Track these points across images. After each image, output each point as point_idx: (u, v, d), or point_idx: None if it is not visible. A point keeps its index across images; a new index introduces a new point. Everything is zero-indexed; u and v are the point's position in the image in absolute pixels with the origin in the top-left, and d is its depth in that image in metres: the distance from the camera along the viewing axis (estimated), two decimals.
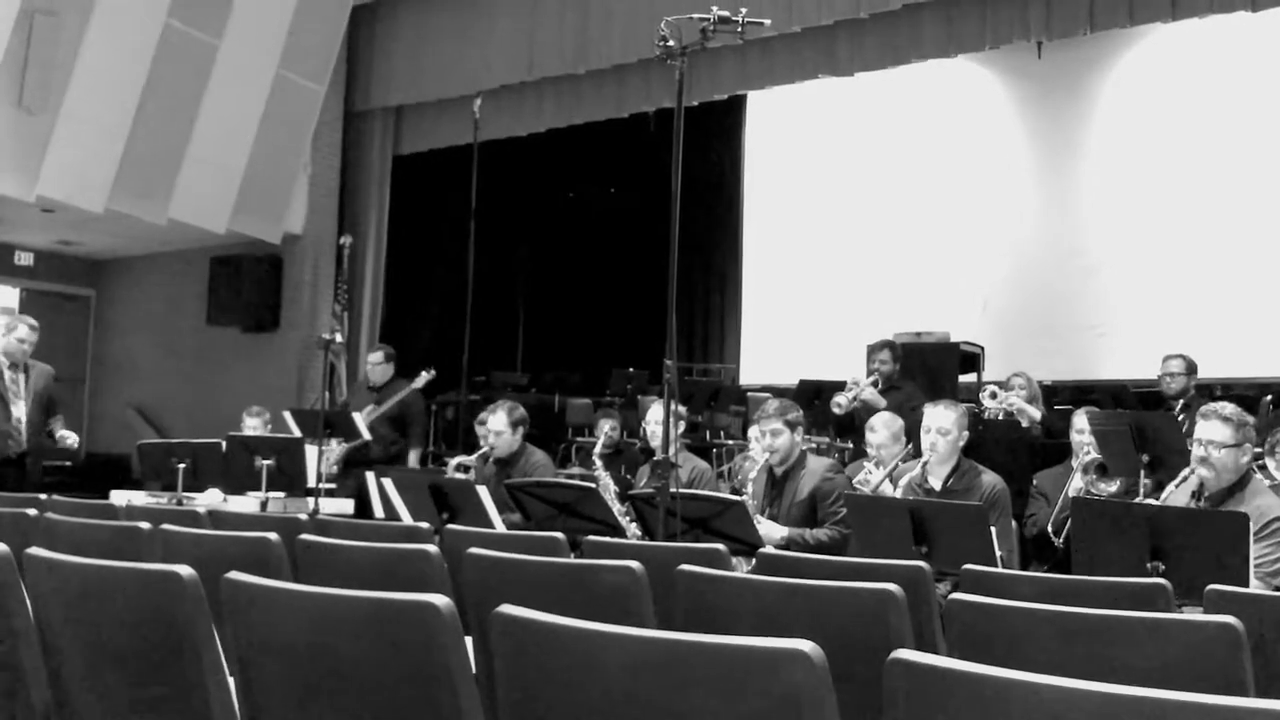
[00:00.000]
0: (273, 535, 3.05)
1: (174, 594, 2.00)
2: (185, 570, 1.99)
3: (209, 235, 10.21)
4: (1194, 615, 2.19)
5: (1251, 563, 3.51)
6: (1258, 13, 7.85)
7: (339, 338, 9.88)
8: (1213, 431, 4.01)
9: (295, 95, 10.25)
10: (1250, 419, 4.13)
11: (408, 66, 10.97)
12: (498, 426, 5.85)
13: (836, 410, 7.35)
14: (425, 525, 3.92)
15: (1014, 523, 4.91)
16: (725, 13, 4.13)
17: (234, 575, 1.95)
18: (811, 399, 8.36)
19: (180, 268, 11.51)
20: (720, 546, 3.31)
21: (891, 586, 2.22)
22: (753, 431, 5.84)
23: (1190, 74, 10.15)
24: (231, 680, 2.02)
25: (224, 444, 6.38)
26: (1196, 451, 4.06)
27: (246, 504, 6.04)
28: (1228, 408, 4.07)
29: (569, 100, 10.31)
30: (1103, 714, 1.22)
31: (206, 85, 9.54)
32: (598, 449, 6.31)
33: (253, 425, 7.61)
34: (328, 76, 10.60)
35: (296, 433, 6.85)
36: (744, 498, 4.75)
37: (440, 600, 1.71)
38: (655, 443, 5.64)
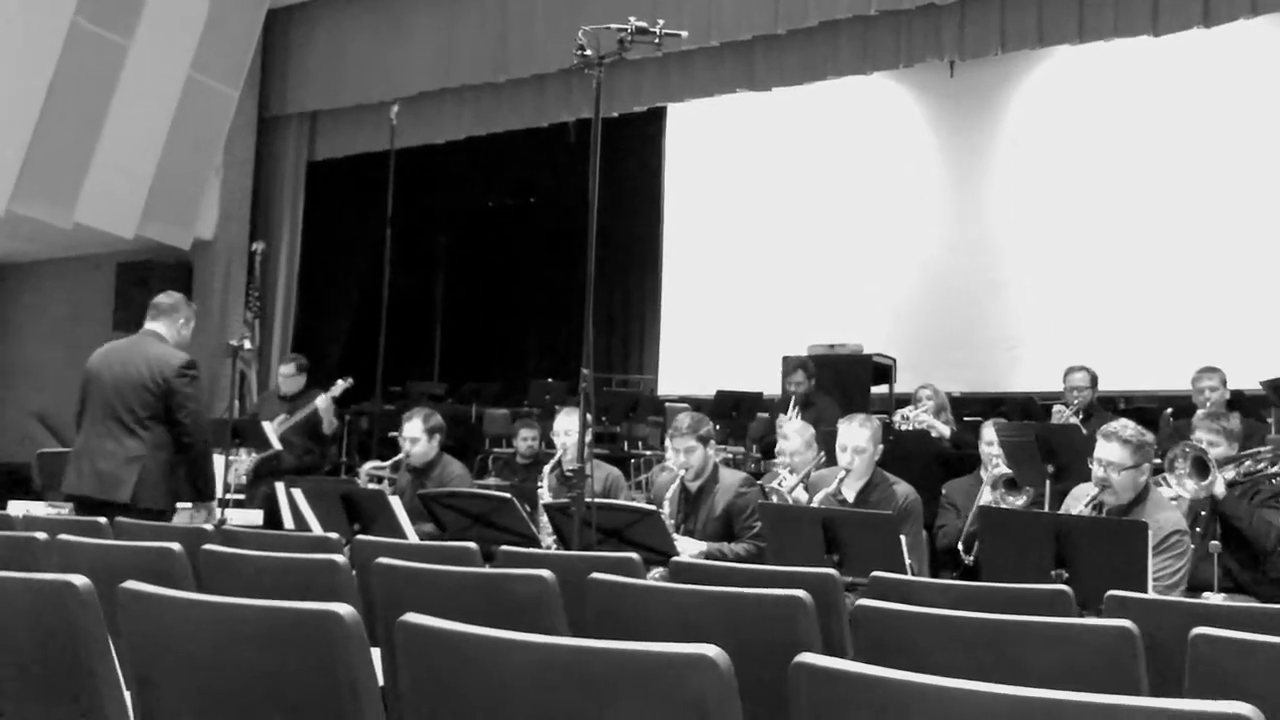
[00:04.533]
0: (175, 545, 2.98)
1: (68, 605, 1.94)
2: (80, 580, 1.93)
3: (117, 240, 9.97)
4: (1093, 620, 2.24)
5: (1151, 575, 3.60)
6: (1159, 37, 8.10)
7: (247, 344, 9.70)
8: (1112, 453, 4.10)
9: (208, 99, 10.06)
10: (1150, 438, 4.24)
11: (324, 72, 10.83)
12: (413, 433, 5.78)
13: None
14: (335, 536, 3.86)
15: (925, 533, 4.98)
16: (643, 24, 4.16)
17: (131, 584, 1.90)
18: (729, 410, 8.43)
19: (86, 273, 11.20)
20: (634, 555, 3.31)
21: (800, 593, 2.24)
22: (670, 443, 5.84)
23: (1095, 94, 10.45)
24: (128, 694, 1.96)
25: None
26: (1096, 472, 4.15)
27: None
28: (1128, 429, 4.17)
29: (488, 108, 10.27)
30: (1001, 715, 1.25)
31: (115, 86, 9.32)
32: (550, 466, 5.67)
33: None
34: (241, 80, 10.43)
35: None
36: (661, 511, 4.75)
37: (344, 609, 1.68)
38: (566, 455, 5.58)
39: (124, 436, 5.08)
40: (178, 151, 9.86)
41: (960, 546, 5.22)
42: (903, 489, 4.80)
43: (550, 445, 8.56)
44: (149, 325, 5.35)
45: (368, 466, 6.14)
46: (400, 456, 5.90)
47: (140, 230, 9.87)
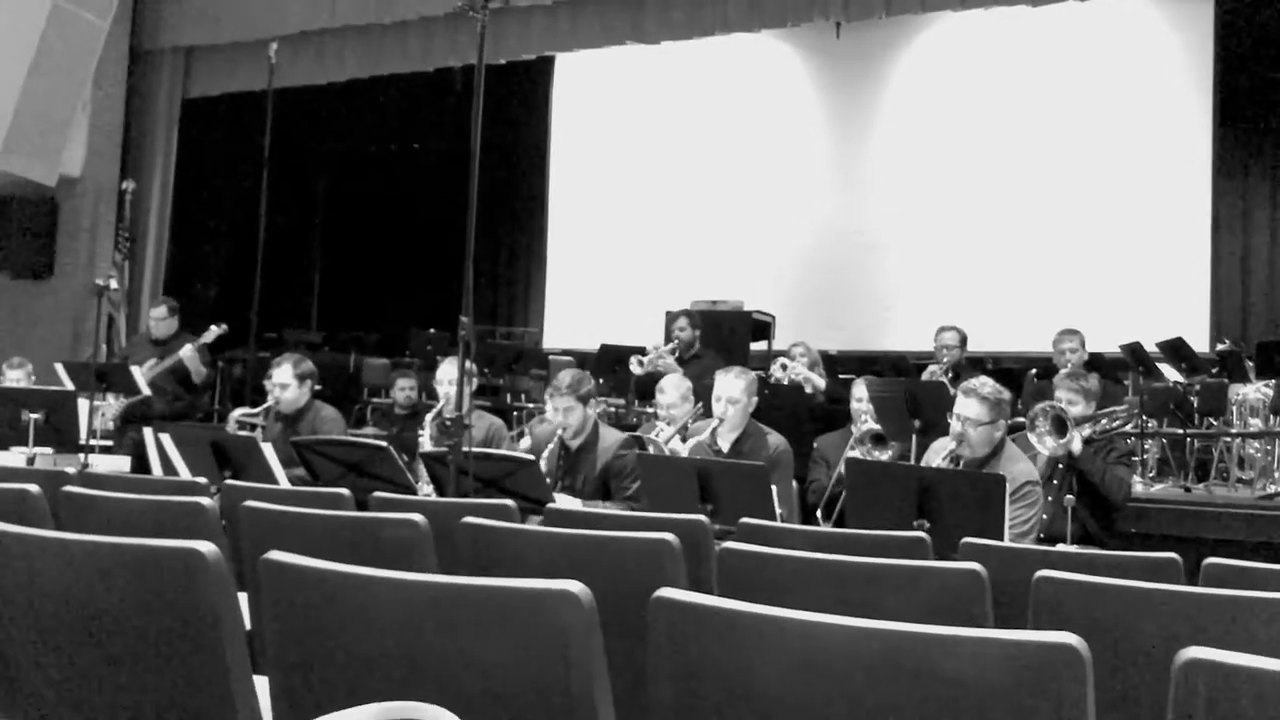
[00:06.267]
0: (33, 487, 2.88)
1: None
2: None
3: None
4: (944, 563, 2.34)
5: (1007, 523, 3.76)
6: (1037, 8, 8.34)
7: (113, 284, 9.36)
8: (969, 409, 4.27)
9: (75, 29, 9.59)
10: (1006, 396, 4.41)
11: (200, 6, 10.44)
12: (283, 379, 5.67)
13: (636, 370, 7.47)
14: (202, 480, 3.78)
15: (795, 484, 5.10)
16: None
17: None
18: (612, 364, 8.46)
19: None
20: (509, 502, 3.32)
21: (667, 536, 2.29)
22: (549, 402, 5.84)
23: (973, 63, 10.71)
24: None
25: None
26: (954, 426, 4.32)
27: (11, 460, 5.68)
28: (986, 386, 4.34)
29: (372, 51, 10.04)
30: (846, 645, 1.30)
31: None
32: (431, 415, 5.42)
33: (14, 377, 7.15)
34: (112, 11, 9.95)
35: (69, 385, 6.48)
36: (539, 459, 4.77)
37: (206, 547, 1.66)
38: (449, 404, 5.54)
39: None
40: (42, 83, 9.40)
41: (820, 513, 5.30)
42: (774, 439, 4.92)
43: (430, 396, 8.52)
44: None
45: (237, 413, 6.00)
46: (270, 403, 5.79)
47: (0, 164, 9.42)
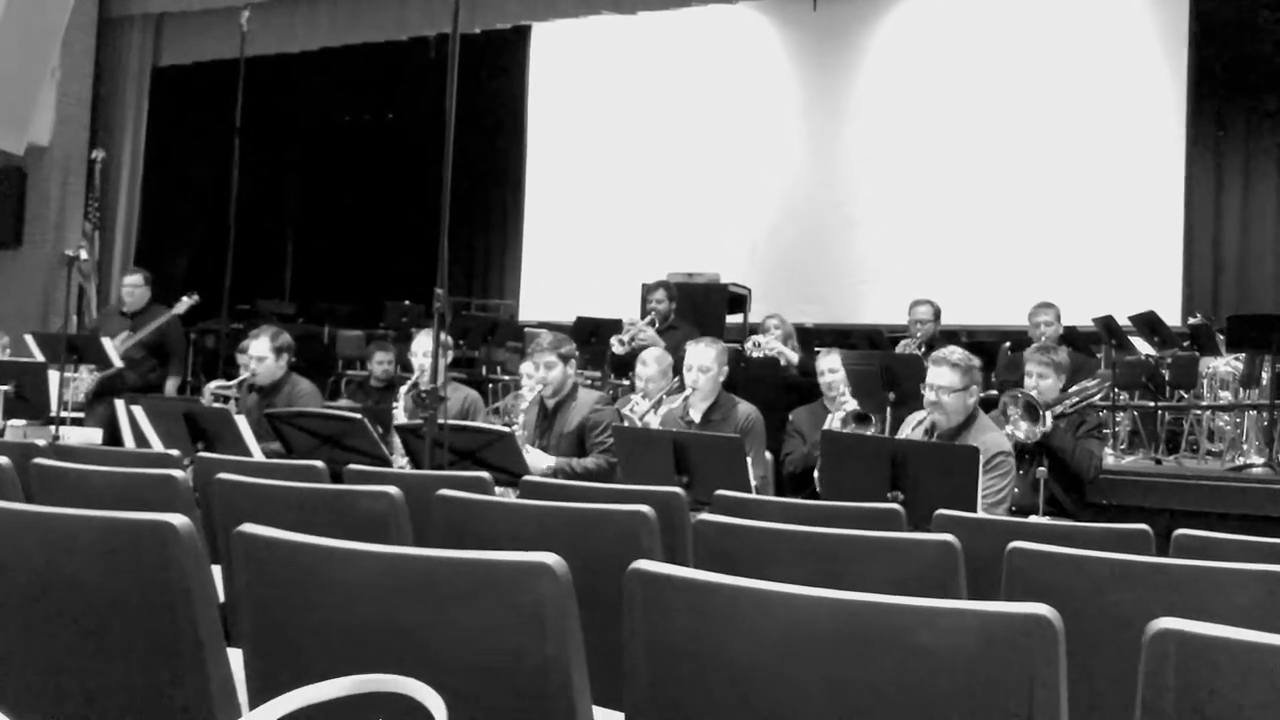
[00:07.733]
0: (3, 459, 2.85)
1: None
2: None
3: None
4: (918, 535, 2.36)
5: (980, 493, 3.80)
6: None
7: (83, 254, 9.26)
8: (942, 377, 4.30)
9: None
10: (977, 362, 4.45)
11: None
12: (260, 352, 5.63)
13: (618, 349, 7.46)
14: (175, 452, 3.76)
15: (769, 454, 5.11)
16: None
17: None
18: (588, 336, 8.45)
19: None
20: (484, 474, 3.32)
21: (643, 508, 2.29)
22: (525, 367, 5.84)
23: (948, 37, 10.69)
24: None
25: None
26: (928, 396, 4.36)
27: None
28: (956, 353, 4.37)
29: (345, 19, 9.95)
30: (822, 615, 1.31)
31: None
32: (406, 387, 5.51)
33: None
34: None
35: (39, 357, 6.42)
36: (514, 429, 4.77)
37: (178, 519, 1.64)
38: (424, 376, 5.53)
39: None
40: (9, 50, 9.26)
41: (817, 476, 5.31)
42: (745, 408, 4.97)
43: (406, 369, 8.46)
44: None
45: (212, 385, 5.96)
46: (245, 376, 5.75)
47: None
